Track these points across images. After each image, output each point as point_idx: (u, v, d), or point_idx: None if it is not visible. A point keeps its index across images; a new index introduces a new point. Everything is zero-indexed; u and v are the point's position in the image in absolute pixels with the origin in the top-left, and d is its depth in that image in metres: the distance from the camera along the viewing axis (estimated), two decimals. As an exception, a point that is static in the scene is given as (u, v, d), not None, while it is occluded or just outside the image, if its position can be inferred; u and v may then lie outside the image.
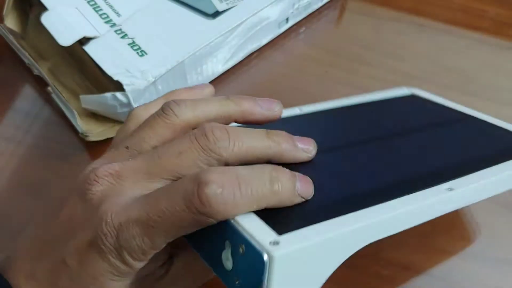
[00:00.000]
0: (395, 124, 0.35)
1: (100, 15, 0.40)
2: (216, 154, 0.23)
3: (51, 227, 0.25)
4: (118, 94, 0.36)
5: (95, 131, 0.38)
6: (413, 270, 0.34)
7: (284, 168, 0.23)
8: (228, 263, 0.22)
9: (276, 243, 0.20)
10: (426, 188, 0.27)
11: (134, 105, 0.37)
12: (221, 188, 0.20)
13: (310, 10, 0.47)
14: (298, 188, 0.23)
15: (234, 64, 0.44)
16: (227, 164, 0.23)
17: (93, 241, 0.22)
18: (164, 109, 0.25)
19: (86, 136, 0.38)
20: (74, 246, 0.23)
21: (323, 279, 0.23)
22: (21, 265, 0.25)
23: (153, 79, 0.37)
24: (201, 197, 0.20)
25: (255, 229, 0.21)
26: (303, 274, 0.22)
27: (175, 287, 0.27)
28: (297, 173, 0.24)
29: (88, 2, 0.41)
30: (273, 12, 0.43)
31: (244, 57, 0.45)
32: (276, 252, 0.20)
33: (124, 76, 0.37)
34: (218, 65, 0.42)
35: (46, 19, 0.38)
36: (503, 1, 0.50)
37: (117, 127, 0.39)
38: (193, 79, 0.41)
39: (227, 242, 0.22)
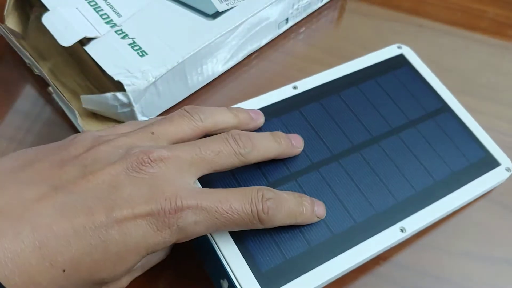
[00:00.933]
0: (368, 124, 0.37)
1: (101, 16, 0.40)
2: (244, 157, 0.30)
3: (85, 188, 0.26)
4: (119, 94, 0.36)
5: (95, 131, 0.38)
6: (413, 270, 0.35)
7: (306, 196, 0.32)
8: (225, 287, 0.30)
9: None
10: (380, 232, 0.32)
11: (135, 105, 0.38)
12: (275, 205, 0.29)
13: (309, 11, 0.47)
14: (316, 211, 0.31)
15: (234, 64, 0.44)
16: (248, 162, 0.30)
17: (153, 215, 0.26)
18: (192, 113, 0.30)
19: (87, 136, 0.38)
20: (123, 214, 0.25)
21: None
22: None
23: (154, 79, 0.37)
24: (264, 207, 0.28)
25: (245, 281, 0.29)
26: None
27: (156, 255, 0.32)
28: (314, 199, 0.32)
29: (89, 2, 0.41)
30: (273, 13, 0.43)
31: (244, 57, 0.45)
32: None
33: (124, 76, 0.37)
34: (218, 65, 0.42)
35: (47, 20, 0.38)
36: (502, 1, 0.50)
37: (117, 127, 0.39)
38: (193, 79, 0.41)
39: (225, 280, 0.29)
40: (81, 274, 0.25)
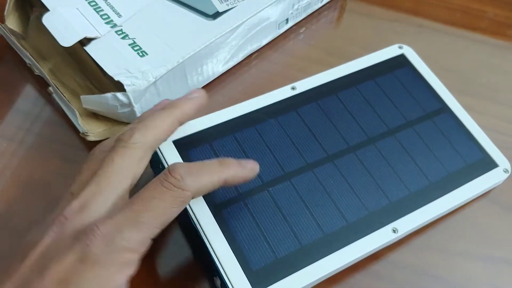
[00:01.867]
0: (364, 125, 0.37)
1: (101, 16, 0.40)
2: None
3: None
4: (119, 95, 0.36)
5: (95, 131, 0.38)
6: (413, 269, 0.35)
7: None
8: (218, 284, 0.31)
9: None
10: (372, 232, 0.32)
11: (135, 105, 0.38)
12: (188, 167, 0.28)
13: (310, 11, 0.47)
14: (242, 162, 0.31)
15: (234, 65, 0.44)
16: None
17: None
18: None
19: (87, 135, 0.38)
20: None
21: None
22: None
23: (154, 79, 0.37)
24: (174, 174, 0.27)
25: (236, 279, 0.29)
26: None
27: None
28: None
29: (89, 2, 0.41)
30: (273, 13, 0.43)
31: (244, 57, 0.45)
32: None
33: (124, 76, 0.37)
34: (218, 66, 0.42)
35: (47, 20, 0.38)
36: (502, 1, 0.50)
37: (117, 127, 0.39)
38: (194, 79, 0.41)
39: (217, 278, 0.30)
40: None
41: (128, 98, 0.37)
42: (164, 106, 0.33)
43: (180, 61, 0.38)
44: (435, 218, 0.35)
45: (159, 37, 0.39)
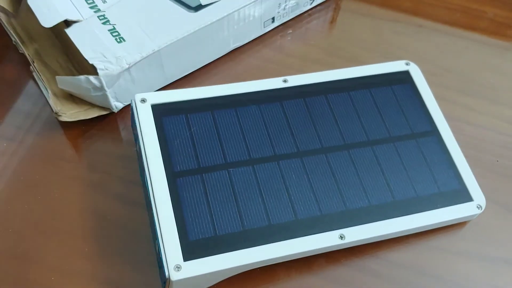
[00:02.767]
0: (350, 130, 0.37)
1: (86, 0, 0.41)
2: None
3: None
4: (92, 78, 0.37)
5: (68, 112, 0.39)
6: (413, 269, 0.35)
7: None
8: (156, 249, 0.31)
9: (178, 268, 0.30)
10: (319, 233, 0.32)
11: (107, 89, 0.38)
12: None
13: (298, 12, 0.47)
14: None
15: (216, 58, 0.44)
16: None
17: None
18: None
19: (59, 116, 0.39)
20: None
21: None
22: None
23: (127, 66, 0.38)
24: None
25: (170, 251, 0.30)
26: (195, 285, 0.31)
27: None
28: None
29: (77, -13, 0.42)
30: (257, 10, 0.43)
31: (227, 52, 0.45)
32: (175, 276, 0.29)
33: (99, 60, 0.38)
34: (198, 57, 0.43)
35: (32, 0, 0.40)
36: (501, 1, 0.50)
37: (91, 110, 0.40)
38: (171, 69, 0.41)
39: (157, 241, 0.31)
40: None
41: (100, 82, 0.37)
42: None
43: (156, 49, 0.39)
44: (392, 236, 0.34)
45: (139, 25, 0.40)
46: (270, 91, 0.38)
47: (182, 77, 0.43)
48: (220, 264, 0.30)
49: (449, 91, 0.43)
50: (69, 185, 0.37)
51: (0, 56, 0.45)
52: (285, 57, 0.45)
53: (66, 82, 0.39)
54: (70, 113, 0.39)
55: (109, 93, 0.39)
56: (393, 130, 0.37)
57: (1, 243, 0.35)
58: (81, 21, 0.40)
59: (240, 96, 0.37)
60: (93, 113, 0.40)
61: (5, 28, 0.43)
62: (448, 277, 0.35)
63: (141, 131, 0.34)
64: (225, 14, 0.41)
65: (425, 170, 0.36)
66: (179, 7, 0.41)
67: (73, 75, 0.42)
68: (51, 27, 0.39)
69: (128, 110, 0.41)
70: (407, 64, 0.41)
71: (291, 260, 0.33)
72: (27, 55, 0.41)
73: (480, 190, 0.36)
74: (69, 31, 0.39)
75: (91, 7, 0.41)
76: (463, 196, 0.36)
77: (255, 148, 0.35)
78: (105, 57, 0.38)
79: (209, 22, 0.40)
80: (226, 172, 0.34)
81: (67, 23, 0.40)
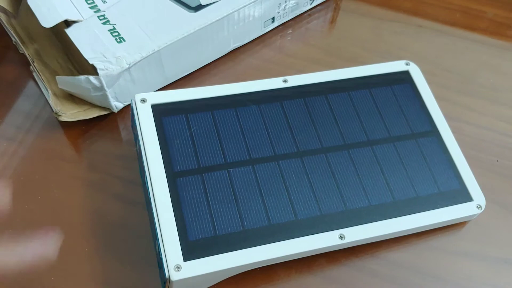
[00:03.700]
0: (349, 130, 0.37)
1: (86, 0, 0.41)
2: None
3: None
4: (92, 78, 0.37)
5: (68, 112, 0.39)
6: (413, 270, 0.35)
7: None
8: (157, 249, 0.31)
9: (178, 268, 0.29)
10: (319, 233, 0.32)
11: (107, 89, 0.38)
12: None
13: (298, 12, 0.47)
14: None
15: (216, 58, 0.44)
16: None
17: None
18: None
19: (59, 115, 0.38)
20: None
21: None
22: None
23: (127, 66, 0.37)
24: None
25: (170, 251, 0.30)
26: (194, 285, 0.31)
27: None
28: None
29: (77, -13, 0.41)
30: (257, 10, 0.43)
31: (227, 52, 0.45)
32: (175, 276, 0.29)
33: (99, 60, 0.37)
34: (198, 57, 0.42)
35: (32, 0, 0.39)
36: (501, 2, 0.49)
37: (91, 110, 0.40)
38: (171, 69, 0.41)
39: (157, 241, 0.31)
40: None
41: (100, 82, 0.37)
42: None
43: (156, 49, 0.38)
44: (392, 236, 0.34)
45: (139, 25, 0.40)
46: (270, 91, 0.37)
47: (182, 77, 0.43)
48: (220, 264, 0.30)
49: (449, 91, 0.43)
50: (69, 185, 0.37)
51: (0, 57, 0.44)
52: (285, 57, 0.45)
53: (66, 82, 0.38)
54: (70, 113, 0.39)
55: (109, 93, 0.38)
56: (393, 130, 0.37)
57: (1, 242, 0.34)
58: (81, 21, 0.39)
59: (240, 96, 0.37)
60: (93, 113, 0.40)
61: (5, 28, 0.43)
62: (448, 277, 0.34)
63: (141, 131, 0.34)
64: (225, 14, 0.41)
65: (425, 170, 0.36)
66: (179, 7, 0.41)
67: (73, 75, 0.41)
68: (51, 28, 0.39)
69: (128, 110, 0.41)
70: (407, 64, 0.40)
71: (291, 260, 0.32)
72: (27, 55, 0.41)
73: (480, 190, 0.36)
74: (69, 31, 0.39)
75: (91, 7, 0.40)
76: (463, 196, 0.35)
77: (255, 148, 0.35)
78: (105, 57, 0.37)
79: (209, 22, 0.40)
80: (226, 172, 0.33)
81: (67, 23, 0.39)
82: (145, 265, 0.33)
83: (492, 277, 0.34)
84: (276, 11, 0.45)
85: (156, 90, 0.42)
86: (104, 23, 0.40)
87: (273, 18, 0.45)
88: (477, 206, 0.35)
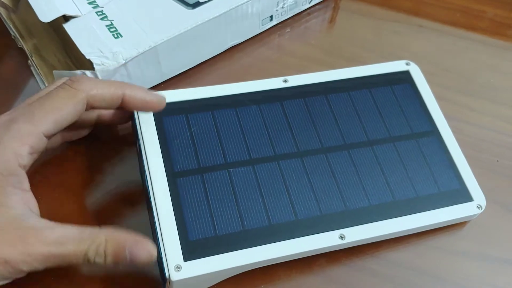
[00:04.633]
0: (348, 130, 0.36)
1: (85, -4, 0.40)
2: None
3: None
4: (88, 72, 0.36)
5: (65, 106, 0.38)
6: (413, 269, 0.34)
7: None
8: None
9: (178, 268, 0.29)
10: (319, 233, 0.32)
11: (104, 84, 0.37)
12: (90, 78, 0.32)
13: (296, 10, 0.46)
14: (149, 90, 0.34)
15: (213, 56, 0.43)
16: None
17: None
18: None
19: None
20: None
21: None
22: None
23: (124, 61, 0.37)
24: (73, 78, 0.30)
25: (170, 251, 0.29)
26: (195, 285, 0.31)
27: None
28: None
29: (76, -18, 0.41)
30: (255, 8, 0.42)
31: (225, 49, 0.44)
32: (175, 276, 0.29)
33: (96, 55, 0.37)
34: (195, 55, 0.42)
35: (30, -5, 0.39)
36: (501, 2, 0.49)
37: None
38: (168, 65, 0.40)
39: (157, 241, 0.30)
40: None
41: (96, 76, 0.36)
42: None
43: (152, 45, 0.38)
44: (392, 236, 0.33)
45: (137, 21, 0.39)
46: (270, 91, 0.37)
47: (179, 74, 0.42)
48: (220, 264, 0.30)
49: (449, 91, 0.42)
50: (69, 185, 0.36)
51: (1, 56, 0.43)
52: (283, 56, 0.44)
53: (63, 76, 0.37)
54: (67, 108, 0.38)
55: (106, 88, 0.38)
56: (393, 130, 0.36)
57: None
58: (79, 16, 0.39)
59: (240, 96, 0.36)
60: (89, 108, 0.39)
61: (4, 22, 0.42)
62: (448, 277, 0.34)
63: (141, 131, 0.33)
64: (223, 12, 0.40)
65: (425, 170, 0.35)
66: (177, 4, 0.40)
67: (71, 70, 0.40)
68: (50, 23, 0.38)
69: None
70: (407, 64, 0.40)
71: (291, 260, 0.32)
72: (25, 50, 0.40)
73: (480, 190, 0.35)
74: (67, 26, 0.38)
75: (89, 3, 0.39)
76: (463, 196, 0.35)
77: (255, 148, 0.34)
78: (102, 52, 0.37)
79: (206, 19, 0.39)
80: (226, 172, 0.33)
81: (66, 18, 0.38)
82: (145, 265, 0.33)
83: (492, 277, 0.34)
84: (275, 9, 0.44)
85: (153, 86, 0.41)
86: (102, 19, 0.39)
87: (271, 17, 0.44)
88: (477, 206, 0.35)
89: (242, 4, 0.40)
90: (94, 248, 0.27)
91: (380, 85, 0.38)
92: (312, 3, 0.47)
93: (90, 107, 0.31)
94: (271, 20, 0.45)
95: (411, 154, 0.36)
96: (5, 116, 0.29)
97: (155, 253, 0.28)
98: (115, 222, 0.35)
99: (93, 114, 0.35)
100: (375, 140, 0.36)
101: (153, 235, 0.31)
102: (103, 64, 0.36)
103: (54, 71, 0.38)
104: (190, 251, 0.30)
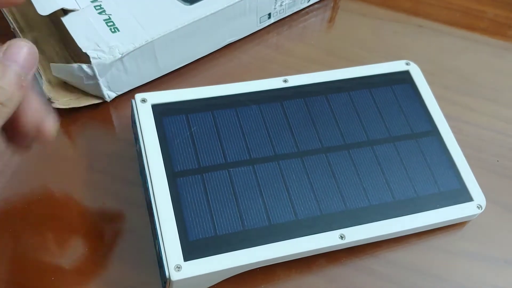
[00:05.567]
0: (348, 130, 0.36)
1: (84, -10, 0.39)
2: None
3: None
4: (84, 66, 0.35)
5: (61, 99, 0.37)
6: (413, 269, 0.33)
7: None
8: (157, 248, 0.30)
9: (179, 268, 0.28)
10: (319, 233, 0.31)
11: (100, 78, 0.36)
12: None
13: (295, 9, 0.45)
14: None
15: (210, 52, 0.42)
16: None
17: None
18: None
19: (52, 102, 0.37)
20: None
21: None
22: None
23: (120, 55, 0.36)
24: None
25: (170, 251, 0.29)
26: (195, 285, 0.30)
27: None
28: None
29: (75, -24, 0.40)
30: (253, 5, 0.41)
31: (222, 46, 0.43)
32: (175, 276, 0.28)
33: (92, 49, 0.36)
34: (192, 50, 0.41)
35: (29, -12, 0.38)
36: (502, 2, 0.48)
37: (84, 99, 0.38)
38: (164, 60, 0.39)
39: (157, 241, 0.30)
40: None
41: (93, 70, 0.36)
42: None
43: (149, 40, 0.37)
44: (392, 236, 0.33)
45: (134, 16, 0.38)
46: (270, 91, 0.36)
47: (175, 70, 0.41)
48: (220, 264, 0.29)
49: (449, 91, 0.41)
50: (69, 185, 0.35)
51: None
52: (282, 55, 0.43)
53: (60, 69, 0.37)
54: (63, 101, 0.37)
55: (102, 82, 0.37)
56: (393, 130, 0.36)
57: (1, 242, 0.33)
58: (77, 10, 0.38)
59: (240, 96, 0.36)
60: (86, 102, 0.38)
61: (4, 15, 0.41)
62: (448, 277, 0.33)
63: (141, 131, 0.33)
64: (220, 8, 0.39)
65: (425, 170, 0.34)
66: (175, 0, 0.40)
67: (69, 63, 0.40)
68: (49, 16, 0.37)
69: (120, 99, 0.39)
70: (407, 64, 0.39)
71: (291, 260, 0.31)
72: None
73: (480, 190, 0.34)
74: (65, 20, 0.37)
75: (88, -3, 0.39)
76: (463, 196, 0.34)
77: (255, 148, 0.33)
78: (98, 46, 0.36)
79: (204, 15, 0.38)
80: (226, 172, 0.32)
81: (65, 11, 0.38)
82: (145, 265, 0.32)
83: (492, 277, 0.33)
84: (273, 7, 0.43)
85: (150, 81, 0.40)
86: (100, 13, 0.38)
87: (269, 14, 0.43)
88: (477, 206, 0.34)
89: (240, 0, 0.40)
90: None
91: (380, 85, 0.38)
92: (311, 2, 0.46)
93: None
94: (269, 18, 0.44)
95: (411, 154, 0.35)
96: None
97: None
98: (115, 222, 0.34)
99: None
100: (375, 140, 0.35)
101: (153, 235, 0.31)
102: (99, 58, 0.36)
103: (51, 64, 0.37)
104: (190, 251, 0.29)
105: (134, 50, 0.36)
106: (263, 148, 0.33)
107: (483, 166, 0.38)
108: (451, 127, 0.36)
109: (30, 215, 0.34)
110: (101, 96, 0.38)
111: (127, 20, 0.38)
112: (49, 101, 0.37)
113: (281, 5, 0.43)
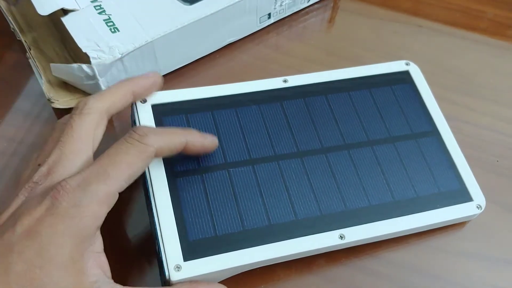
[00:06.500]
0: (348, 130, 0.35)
1: (84, -10, 0.39)
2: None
3: None
4: (84, 66, 0.35)
5: (61, 99, 0.37)
6: (413, 269, 0.33)
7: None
8: (157, 248, 0.29)
9: (178, 268, 0.28)
10: (319, 233, 0.31)
11: (100, 78, 0.36)
12: (152, 128, 0.30)
13: (295, 9, 0.44)
14: (203, 133, 0.31)
15: (210, 52, 0.42)
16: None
17: None
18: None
19: (52, 102, 0.36)
20: None
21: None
22: None
23: (120, 55, 0.35)
24: (138, 131, 0.27)
25: (170, 251, 0.28)
26: None
27: None
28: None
29: (75, -24, 0.40)
30: (253, 6, 0.40)
31: (221, 46, 0.42)
32: (175, 277, 0.28)
33: (92, 49, 0.35)
34: (192, 50, 0.40)
35: (28, -12, 0.37)
36: (501, 2, 0.48)
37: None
38: (164, 60, 0.39)
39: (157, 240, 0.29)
40: None
41: (93, 70, 0.35)
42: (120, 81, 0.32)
43: (149, 40, 0.36)
44: (392, 236, 0.32)
45: (134, 16, 0.37)
46: (270, 91, 0.36)
47: (175, 70, 0.41)
48: (220, 264, 0.29)
49: (449, 91, 0.41)
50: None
51: (1, 56, 0.42)
52: (282, 55, 0.43)
53: (60, 69, 0.36)
54: (63, 101, 0.37)
55: (102, 82, 0.36)
56: (393, 130, 0.35)
57: None
58: (77, 10, 0.37)
59: (240, 96, 0.35)
60: (86, 101, 0.38)
61: (4, 15, 0.41)
62: (448, 277, 0.32)
63: None
64: (220, 8, 0.38)
65: (425, 170, 0.34)
66: (175, 0, 0.39)
67: (68, 63, 0.39)
68: (49, 16, 0.37)
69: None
70: (407, 64, 0.38)
71: (291, 260, 0.30)
72: (24, 42, 0.39)
73: (480, 190, 0.34)
74: (65, 20, 0.36)
75: (88, -3, 0.38)
76: (463, 196, 0.33)
77: (255, 148, 0.33)
78: (98, 46, 0.35)
79: (203, 15, 0.38)
80: (226, 172, 0.32)
81: (65, 11, 0.37)
82: (145, 265, 0.32)
83: (492, 277, 0.32)
84: (273, 7, 0.42)
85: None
86: (100, 13, 0.37)
87: (269, 14, 0.43)
88: (477, 206, 0.33)
89: (240, 0, 0.39)
90: None
91: (380, 85, 0.37)
92: (311, 2, 0.45)
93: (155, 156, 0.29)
94: (269, 18, 0.43)
95: (411, 154, 0.34)
96: (76, 177, 0.26)
97: None
98: (115, 223, 0.33)
99: None
100: (375, 140, 0.35)
101: (153, 235, 0.30)
102: (99, 58, 0.35)
103: (51, 64, 0.37)
104: (190, 251, 0.29)
105: (134, 50, 0.36)
106: (263, 148, 0.33)
107: (483, 166, 0.37)
108: (451, 127, 0.36)
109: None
110: (101, 96, 0.38)
111: (127, 20, 0.37)
112: (49, 101, 0.36)
113: (281, 5, 0.43)
